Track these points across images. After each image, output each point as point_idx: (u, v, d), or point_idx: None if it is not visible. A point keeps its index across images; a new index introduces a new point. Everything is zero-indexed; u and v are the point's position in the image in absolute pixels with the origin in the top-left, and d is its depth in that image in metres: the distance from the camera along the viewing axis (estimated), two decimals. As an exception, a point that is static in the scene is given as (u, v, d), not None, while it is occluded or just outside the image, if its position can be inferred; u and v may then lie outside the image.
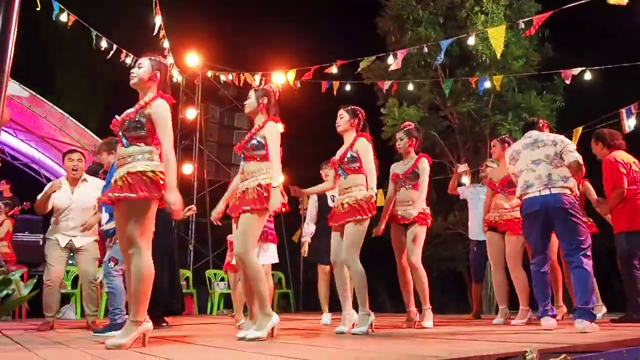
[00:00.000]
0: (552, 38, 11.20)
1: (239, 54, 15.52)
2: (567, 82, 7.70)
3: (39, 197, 5.24)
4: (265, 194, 3.53)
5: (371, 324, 4.07)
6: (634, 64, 6.67)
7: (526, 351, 2.20)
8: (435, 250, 10.80)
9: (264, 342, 3.26)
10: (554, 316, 4.19)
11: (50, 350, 2.94)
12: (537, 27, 5.72)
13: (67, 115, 11.20)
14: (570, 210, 4.04)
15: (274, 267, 5.96)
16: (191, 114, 13.41)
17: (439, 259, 11.25)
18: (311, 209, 5.97)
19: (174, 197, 3.04)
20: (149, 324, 3.07)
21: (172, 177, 3.09)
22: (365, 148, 4.27)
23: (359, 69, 9.10)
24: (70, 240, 5.22)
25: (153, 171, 3.06)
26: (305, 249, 6.01)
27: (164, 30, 8.90)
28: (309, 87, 10.24)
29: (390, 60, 8.21)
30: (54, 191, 5.19)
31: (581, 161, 4.14)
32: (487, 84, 8.38)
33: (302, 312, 11.01)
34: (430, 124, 10.71)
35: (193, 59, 12.62)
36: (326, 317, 5.81)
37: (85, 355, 2.68)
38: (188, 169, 12.02)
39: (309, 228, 5.96)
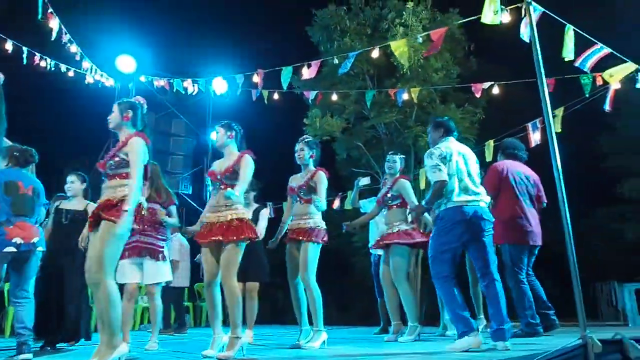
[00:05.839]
0: (480, 52, 11.43)
1: (176, 61, 15.25)
2: (478, 95, 7.77)
3: None
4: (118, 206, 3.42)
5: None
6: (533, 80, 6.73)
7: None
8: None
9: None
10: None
11: None
12: (439, 43, 5.67)
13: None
14: (489, 227, 4.05)
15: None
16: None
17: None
18: None
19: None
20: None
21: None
22: (246, 166, 4.11)
23: (282, 82, 8.96)
24: None
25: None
26: None
27: (68, 35, 8.55)
28: (243, 95, 10.08)
29: (304, 70, 8.12)
30: None
31: None
32: (406, 96, 8.38)
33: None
34: (357, 135, 10.72)
35: (126, 63, 12.32)
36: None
37: None
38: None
39: None
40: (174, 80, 11.48)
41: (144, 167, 3.67)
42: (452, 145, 4.21)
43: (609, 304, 11.21)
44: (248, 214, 4.18)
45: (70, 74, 9.72)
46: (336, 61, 7.27)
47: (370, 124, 10.97)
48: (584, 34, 5.24)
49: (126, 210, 3.34)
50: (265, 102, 9.72)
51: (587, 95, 6.63)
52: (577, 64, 5.22)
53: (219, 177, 4.15)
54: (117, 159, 3.57)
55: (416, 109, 10.19)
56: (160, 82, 11.88)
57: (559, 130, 6.93)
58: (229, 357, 3.80)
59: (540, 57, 4.25)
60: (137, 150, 3.58)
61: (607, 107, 6.39)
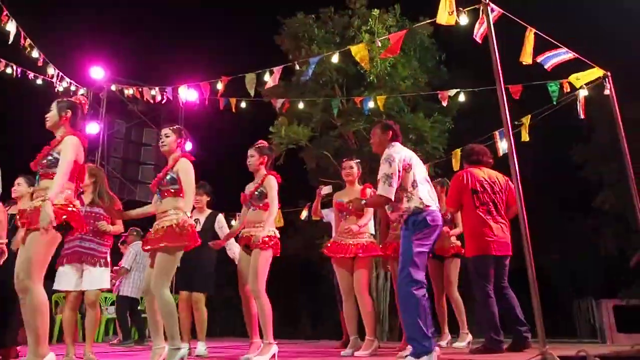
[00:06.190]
0: (455, 62, 11.34)
1: (150, 70, 15.08)
2: (444, 103, 7.64)
3: None
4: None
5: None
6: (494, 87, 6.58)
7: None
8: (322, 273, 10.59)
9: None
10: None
11: None
12: (397, 46, 5.51)
13: None
14: None
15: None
16: (92, 128, 12.88)
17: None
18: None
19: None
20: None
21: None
22: (185, 169, 3.94)
23: (247, 88, 8.76)
24: None
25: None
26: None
27: (28, 40, 8.25)
28: (213, 104, 9.86)
29: (267, 78, 7.91)
30: None
31: None
32: (372, 104, 8.19)
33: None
34: (324, 143, 10.49)
35: (97, 72, 12.21)
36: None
37: None
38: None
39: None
40: (142, 88, 11.22)
41: (80, 168, 3.56)
42: (408, 152, 4.07)
43: (586, 320, 11.04)
44: (190, 221, 3.94)
45: (39, 81, 9.47)
46: (298, 67, 7.07)
47: (337, 133, 10.75)
48: (549, 38, 5.11)
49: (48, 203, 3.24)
50: (233, 110, 9.50)
51: (554, 103, 6.47)
52: (538, 60, 5.08)
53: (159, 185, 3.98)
54: (50, 157, 3.49)
55: (385, 118, 10.00)
56: (130, 91, 11.63)
57: (527, 138, 6.77)
58: None
59: (497, 57, 4.11)
60: (69, 147, 3.46)
61: (580, 114, 6.25)
